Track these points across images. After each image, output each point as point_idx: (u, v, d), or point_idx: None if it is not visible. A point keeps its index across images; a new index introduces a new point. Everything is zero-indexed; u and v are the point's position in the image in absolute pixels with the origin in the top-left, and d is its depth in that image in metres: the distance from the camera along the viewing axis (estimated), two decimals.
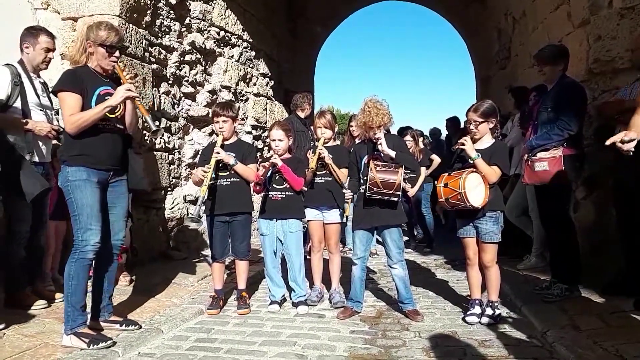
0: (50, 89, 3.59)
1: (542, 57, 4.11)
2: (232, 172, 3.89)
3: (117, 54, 3.21)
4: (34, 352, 2.92)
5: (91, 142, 3.09)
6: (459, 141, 3.58)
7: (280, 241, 4.06)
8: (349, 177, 4.07)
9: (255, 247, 6.22)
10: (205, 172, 3.70)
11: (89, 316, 3.20)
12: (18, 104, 3.50)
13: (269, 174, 3.98)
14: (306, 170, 4.02)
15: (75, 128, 3.02)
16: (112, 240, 3.31)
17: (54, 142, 3.72)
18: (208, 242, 4.18)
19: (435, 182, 6.42)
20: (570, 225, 3.99)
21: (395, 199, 3.63)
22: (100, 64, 3.19)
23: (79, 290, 3.05)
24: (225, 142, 3.93)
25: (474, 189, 3.42)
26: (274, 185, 3.99)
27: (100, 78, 3.20)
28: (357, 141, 5.78)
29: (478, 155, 3.46)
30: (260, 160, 4.26)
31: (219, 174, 3.89)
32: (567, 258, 3.91)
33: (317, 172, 4.09)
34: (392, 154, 3.64)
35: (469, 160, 3.51)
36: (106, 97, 3.14)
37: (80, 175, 3.06)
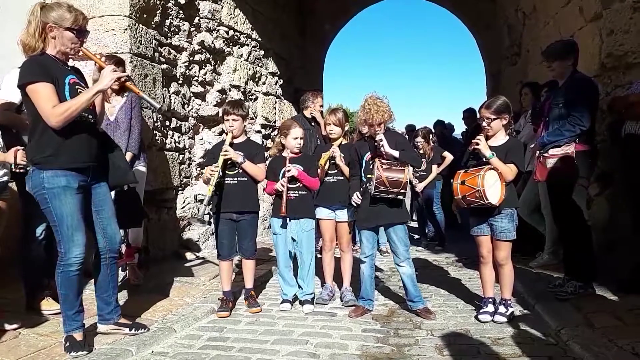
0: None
1: (550, 53, 4.08)
2: (240, 170, 3.86)
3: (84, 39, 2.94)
4: (49, 351, 2.95)
5: (67, 138, 2.80)
6: (472, 141, 3.56)
7: (293, 239, 4.06)
8: (352, 176, 4.02)
9: (265, 246, 6.26)
10: (213, 170, 3.69)
11: (85, 322, 3.05)
12: None
13: (281, 173, 3.97)
14: (317, 169, 4.02)
15: (62, 120, 2.74)
16: (110, 245, 3.13)
17: None
18: (215, 241, 4.17)
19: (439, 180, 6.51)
20: (583, 222, 3.95)
21: (402, 197, 3.62)
22: (63, 50, 2.87)
23: (68, 300, 2.91)
24: (235, 141, 3.92)
25: (492, 186, 3.38)
26: (288, 187, 3.98)
27: (63, 67, 2.91)
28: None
29: (493, 154, 3.43)
30: (271, 160, 4.22)
31: (227, 172, 3.87)
32: (580, 255, 3.87)
33: (329, 172, 4.08)
34: (396, 154, 3.62)
35: (484, 159, 3.48)
36: (76, 87, 2.89)
37: (58, 182, 2.80)
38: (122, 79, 2.98)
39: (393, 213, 3.70)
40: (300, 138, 4.01)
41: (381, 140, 3.60)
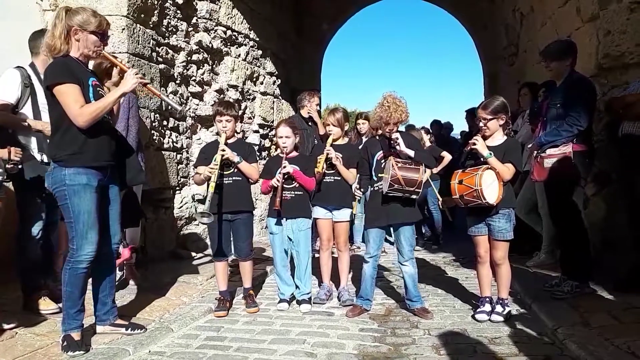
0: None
1: (548, 53, 4.09)
2: (234, 170, 3.87)
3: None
4: (46, 351, 2.94)
5: (90, 137, 2.88)
6: (469, 141, 3.56)
7: (290, 239, 4.06)
8: (359, 175, 4.03)
9: (262, 246, 6.25)
10: (212, 169, 3.70)
11: (83, 322, 3.05)
12: (29, 105, 3.52)
13: (277, 171, 3.96)
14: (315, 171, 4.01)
15: (90, 121, 2.82)
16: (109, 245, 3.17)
17: None
18: (209, 241, 4.17)
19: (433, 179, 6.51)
20: (580, 222, 3.96)
21: (415, 197, 3.61)
22: (86, 52, 2.95)
23: (72, 297, 2.93)
24: (228, 141, 3.92)
25: (489, 185, 3.38)
26: (283, 184, 3.98)
27: (85, 69, 3.00)
28: (364, 139, 5.77)
29: (490, 154, 3.43)
30: (268, 159, 4.23)
31: (222, 172, 3.85)
32: (577, 254, 3.87)
33: (327, 172, 4.08)
34: (411, 153, 3.62)
35: (482, 158, 3.48)
36: (98, 89, 2.97)
37: (79, 179, 2.87)
38: (144, 83, 3.03)
39: (405, 212, 3.69)
40: (286, 137, 4.01)
41: (397, 138, 3.61)
